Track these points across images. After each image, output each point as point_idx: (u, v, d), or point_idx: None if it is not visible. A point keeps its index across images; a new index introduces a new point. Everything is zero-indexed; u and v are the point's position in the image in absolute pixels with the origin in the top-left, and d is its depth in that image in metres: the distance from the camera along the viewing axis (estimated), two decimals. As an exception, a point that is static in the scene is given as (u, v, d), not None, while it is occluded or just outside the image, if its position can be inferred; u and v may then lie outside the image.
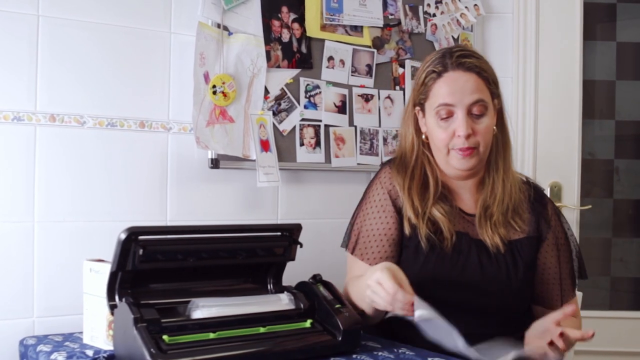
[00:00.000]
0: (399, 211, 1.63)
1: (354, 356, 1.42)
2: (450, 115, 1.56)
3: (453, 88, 1.55)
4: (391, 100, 2.32)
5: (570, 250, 1.68)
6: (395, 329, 1.62)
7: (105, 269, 1.41)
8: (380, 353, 1.46)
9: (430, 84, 1.59)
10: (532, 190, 1.69)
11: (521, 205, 1.64)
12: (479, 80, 1.56)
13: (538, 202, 1.67)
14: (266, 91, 2.07)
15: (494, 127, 1.61)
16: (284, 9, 2.11)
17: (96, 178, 1.84)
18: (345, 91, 2.23)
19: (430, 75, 1.59)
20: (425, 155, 1.65)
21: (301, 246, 1.57)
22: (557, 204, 2.19)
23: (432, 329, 1.38)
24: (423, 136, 1.64)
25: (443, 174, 1.64)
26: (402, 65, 2.35)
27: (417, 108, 1.64)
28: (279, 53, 2.10)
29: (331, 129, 2.19)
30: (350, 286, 1.61)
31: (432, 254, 1.57)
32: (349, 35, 2.24)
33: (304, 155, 2.14)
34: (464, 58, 1.56)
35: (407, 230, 1.60)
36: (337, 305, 1.46)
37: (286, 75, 2.12)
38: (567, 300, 1.63)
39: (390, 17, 2.32)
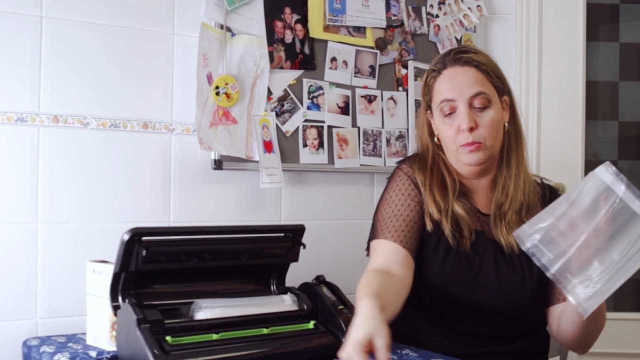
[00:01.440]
0: (421, 200, 1.60)
1: (357, 357, 1.42)
2: (453, 110, 1.56)
3: (452, 83, 1.56)
4: (394, 101, 2.32)
5: None
6: (399, 330, 1.62)
7: (109, 270, 1.41)
8: (383, 354, 1.45)
9: (431, 82, 1.61)
10: (547, 191, 1.67)
11: (535, 206, 1.62)
12: (477, 74, 1.56)
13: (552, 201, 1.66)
14: (269, 92, 2.07)
15: (506, 124, 1.60)
16: (287, 10, 2.11)
17: (99, 179, 1.84)
18: (348, 92, 2.23)
19: (431, 74, 1.61)
20: (440, 157, 1.64)
21: (304, 247, 1.57)
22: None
23: None
24: (435, 139, 1.64)
25: (459, 174, 1.64)
26: (405, 66, 2.35)
27: (428, 111, 1.65)
28: (282, 54, 2.10)
29: (334, 130, 2.19)
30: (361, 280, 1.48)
31: (451, 252, 1.56)
32: (352, 36, 2.24)
33: (307, 156, 2.14)
34: (461, 54, 1.58)
35: (428, 226, 1.57)
36: (340, 307, 1.46)
37: (289, 76, 2.12)
38: None
39: (393, 18, 2.32)
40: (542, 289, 1.62)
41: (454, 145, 1.57)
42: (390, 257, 1.52)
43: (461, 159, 1.58)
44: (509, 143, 1.62)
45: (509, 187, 1.60)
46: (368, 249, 1.66)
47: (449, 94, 1.56)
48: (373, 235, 1.62)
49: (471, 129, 1.53)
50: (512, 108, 1.63)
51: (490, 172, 1.64)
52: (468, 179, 1.64)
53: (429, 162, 1.64)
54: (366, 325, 1.18)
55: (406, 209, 1.59)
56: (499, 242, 1.58)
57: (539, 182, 1.70)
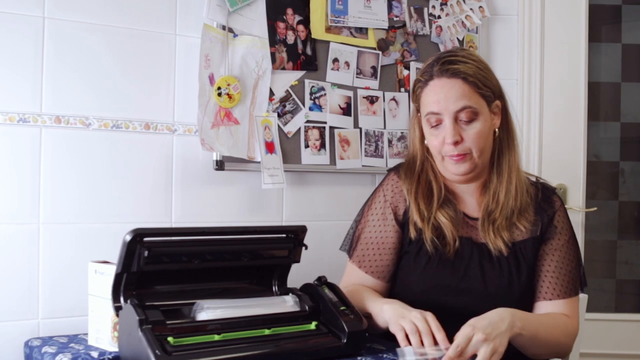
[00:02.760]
0: (399, 221, 1.64)
1: (359, 358, 1.42)
2: (439, 122, 1.54)
3: (438, 96, 1.53)
4: (396, 102, 2.32)
5: (576, 250, 1.65)
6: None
7: (111, 271, 1.41)
8: (385, 355, 1.46)
9: (419, 92, 1.59)
10: (540, 191, 1.65)
11: (527, 208, 1.61)
12: (465, 86, 1.52)
13: (545, 202, 1.64)
14: (271, 93, 2.07)
15: (496, 130, 1.60)
16: (289, 11, 2.12)
17: (101, 180, 1.84)
18: (350, 93, 2.23)
19: (418, 84, 1.59)
20: (429, 162, 1.64)
21: (306, 248, 1.57)
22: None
23: None
24: (426, 141, 1.63)
25: (446, 178, 1.64)
26: (407, 67, 2.35)
27: (419, 113, 1.64)
28: (284, 55, 2.10)
29: (336, 131, 2.19)
30: (350, 296, 1.57)
31: (434, 259, 1.56)
32: (354, 37, 2.24)
33: (308, 157, 2.14)
34: (449, 64, 1.54)
35: (412, 234, 1.59)
36: (342, 308, 1.46)
37: (291, 77, 2.12)
38: (557, 296, 1.59)
39: (395, 19, 2.32)
40: (530, 291, 1.61)
41: (439, 155, 1.58)
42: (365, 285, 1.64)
43: (447, 167, 1.58)
44: (500, 148, 1.61)
45: (500, 195, 1.59)
46: (344, 247, 1.74)
47: (435, 107, 1.54)
48: (350, 250, 1.70)
49: (456, 143, 1.53)
50: (504, 112, 1.61)
51: (481, 177, 1.63)
52: (456, 184, 1.64)
53: (417, 167, 1.65)
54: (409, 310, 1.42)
55: (384, 236, 1.65)
56: (486, 246, 1.58)
57: (533, 181, 1.68)
